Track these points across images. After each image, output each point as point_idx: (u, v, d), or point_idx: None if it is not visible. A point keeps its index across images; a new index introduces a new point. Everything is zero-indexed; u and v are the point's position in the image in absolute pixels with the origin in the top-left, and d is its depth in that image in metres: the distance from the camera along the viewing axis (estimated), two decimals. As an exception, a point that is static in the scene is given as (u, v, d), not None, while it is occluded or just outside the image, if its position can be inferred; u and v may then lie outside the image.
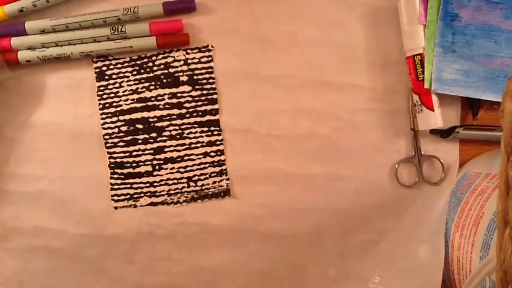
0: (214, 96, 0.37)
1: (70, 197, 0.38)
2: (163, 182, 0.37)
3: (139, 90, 0.37)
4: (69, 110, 0.38)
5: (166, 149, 0.37)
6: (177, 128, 0.37)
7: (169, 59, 0.37)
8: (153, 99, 0.37)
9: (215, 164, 0.37)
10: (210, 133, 0.37)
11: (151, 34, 0.36)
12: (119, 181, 0.37)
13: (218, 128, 0.37)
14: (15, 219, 0.38)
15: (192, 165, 0.37)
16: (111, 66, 0.37)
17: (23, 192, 0.38)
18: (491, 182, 0.32)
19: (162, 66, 0.37)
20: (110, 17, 0.36)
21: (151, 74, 0.37)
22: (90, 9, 0.37)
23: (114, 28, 0.36)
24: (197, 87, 0.37)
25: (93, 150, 0.37)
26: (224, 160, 0.37)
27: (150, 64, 0.37)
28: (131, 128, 0.37)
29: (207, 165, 0.37)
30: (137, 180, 0.37)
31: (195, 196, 0.37)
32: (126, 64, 0.37)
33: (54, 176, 0.38)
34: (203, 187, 0.37)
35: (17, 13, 0.36)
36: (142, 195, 0.37)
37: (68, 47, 0.36)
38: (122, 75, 0.37)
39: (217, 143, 0.37)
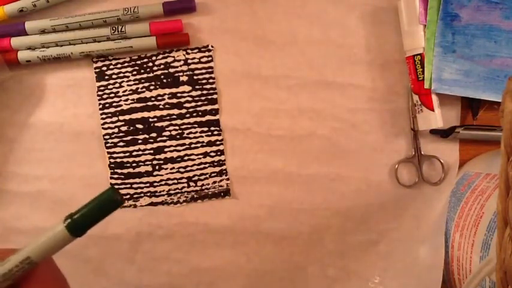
0: (214, 96, 0.37)
1: (70, 197, 0.37)
2: (163, 182, 0.37)
3: (139, 90, 0.37)
4: (69, 110, 0.37)
5: (166, 149, 0.37)
6: (177, 128, 0.37)
7: (169, 59, 0.37)
8: (153, 99, 0.37)
9: (215, 164, 0.37)
10: (210, 133, 0.37)
11: (151, 34, 0.36)
12: (119, 181, 0.37)
13: (218, 128, 0.37)
14: (15, 219, 0.38)
15: (192, 165, 0.37)
16: (111, 66, 0.37)
17: (23, 192, 0.38)
18: (491, 182, 0.32)
19: (162, 66, 0.37)
20: (110, 17, 0.36)
21: (151, 74, 0.37)
22: (90, 9, 0.37)
23: (114, 28, 0.36)
24: (197, 87, 0.37)
25: (93, 150, 0.37)
26: (224, 160, 0.37)
27: (150, 64, 0.37)
28: (131, 128, 0.37)
29: (207, 165, 0.37)
30: (137, 180, 0.37)
31: (195, 196, 0.37)
32: (126, 64, 0.37)
33: (54, 176, 0.38)
34: (203, 187, 0.37)
35: (17, 13, 0.36)
36: (142, 195, 0.37)
37: (68, 47, 0.36)
38: (122, 75, 0.37)
39: (217, 143, 0.37)
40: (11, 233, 0.38)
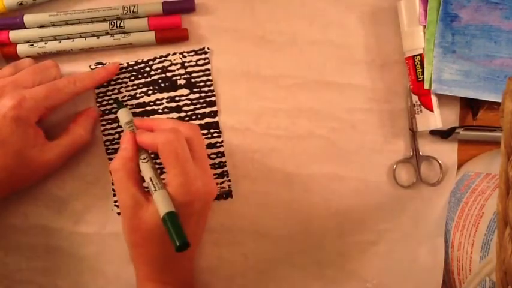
0: (213, 99, 0.37)
1: (69, 196, 0.37)
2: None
3: (138, 95, 0.37)
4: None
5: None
6: (177, 131, 0.37)
7: (166, 63, 0.37)
8: (152, 104, 0.37)
9: (216, 166, 0.37)
10: (210, 135, 0.37)
11: (149, 29, 0.36)
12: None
13: (218, 130, 0.37)
14: (14, 217, 0.37)
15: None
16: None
17: (22, 190, 0.37)
18: (491, 182, 0.32)
19: (159, 71, 0.37)
20: (109, 15, 0.35)
21: (149, 79, 0.37)
22: (89, 5, 0.36)
23: (112, 23, 0.35)
24: (195, 90, 0.37)
25: (93, 151, 0.37)
26: (225, 162, 0.37)
27: (148, 69, 0.37)
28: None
29: (208, 167, 0.37)
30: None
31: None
32: (123, 70, 0.37)
33: (54, 175, 0.37)
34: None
35: (17, 6, 0.36)
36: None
37: (68, 43, 0.36)
38: (120, 81, 0.37)
39: (218, 145, 0.37)
40: (9, 231, 0.38)
